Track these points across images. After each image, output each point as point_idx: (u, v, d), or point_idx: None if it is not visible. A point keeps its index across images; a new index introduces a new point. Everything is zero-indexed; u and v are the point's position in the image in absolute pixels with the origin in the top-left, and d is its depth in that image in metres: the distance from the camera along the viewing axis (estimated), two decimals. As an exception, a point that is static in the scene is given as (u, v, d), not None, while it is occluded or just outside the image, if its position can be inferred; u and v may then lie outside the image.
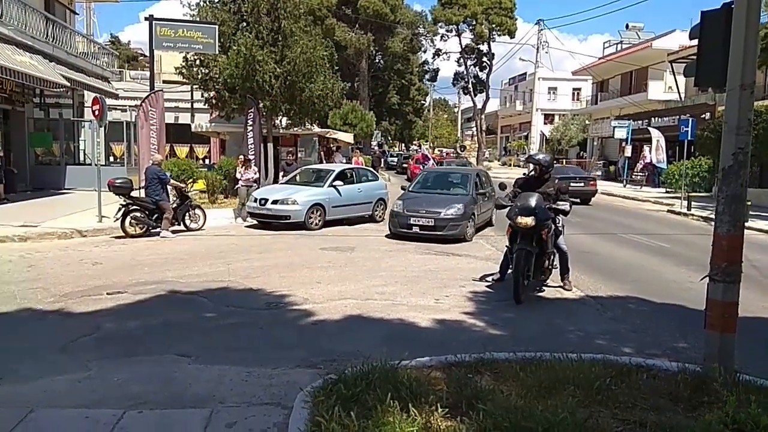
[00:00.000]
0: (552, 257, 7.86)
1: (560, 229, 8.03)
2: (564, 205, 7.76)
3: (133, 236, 11.73)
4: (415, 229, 11.90)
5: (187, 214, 12.75)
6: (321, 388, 3.82)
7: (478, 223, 13.04)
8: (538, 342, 5.62)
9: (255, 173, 15.51)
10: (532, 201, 7.32)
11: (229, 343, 5.64)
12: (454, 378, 3.99)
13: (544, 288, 8.10)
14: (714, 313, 4.17)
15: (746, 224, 15.26)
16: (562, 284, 8.11)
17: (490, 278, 8.48)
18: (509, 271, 7.81)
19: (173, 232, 12.14)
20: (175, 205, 12.46)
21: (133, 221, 11.90)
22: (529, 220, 7.20)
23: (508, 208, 7.74)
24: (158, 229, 11.98)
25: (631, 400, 3.81)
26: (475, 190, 13.01)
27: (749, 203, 11.25)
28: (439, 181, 14.12)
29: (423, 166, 26.37)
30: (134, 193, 12.46)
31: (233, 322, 6.34)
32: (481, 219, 13.42)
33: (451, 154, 48.05)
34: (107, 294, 7.33)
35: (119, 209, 11.84)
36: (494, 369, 4.32)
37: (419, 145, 57.96)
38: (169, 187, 12.47)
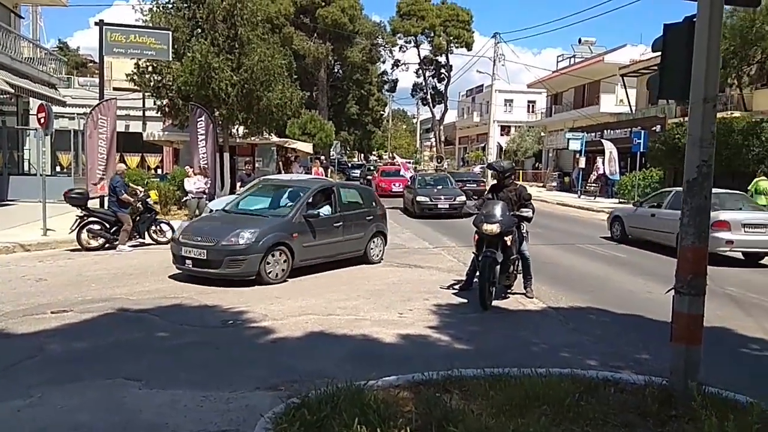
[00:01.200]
0: (516, 263, 8.07)
1: (524, 234, 8.20)
2: (527, 212, 7.93)
3: (89, 249, 11.22)
4: (188, 264, 8.66)
5: (152, 226, 12.19)
6: (283, 414, 3.60)
7: (320, 257, 9.65)
8: (504, 356, 5.55)
9: (206, 184, 15.00)
10: (497, 209, 7.59)
11: (183, 365, 5.34)
12: (422, 398, 3.84)
13: (508, 295, 8.18)
14: (680, 326, 4.16)
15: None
16: (524, 292, 8.22)
17: (457, 286, 8.66)
18: (476, 278, 7.95)
19: (132, 246, 11.64)
20: (137, 218, 11.92)
21: (89, 234, 11.37)
22: (494, 227, 7.45)
23: (475, 215, 7.95)
24: (117, 242, 11.49)
25: (601, 416, 3.75)
26: (306, 210, 9.41)
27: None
28: (268, 196, 10.70)
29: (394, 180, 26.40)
30: (95, 204, 11.94)
31: (187, 342, 6.03)
32: (330, 252, 9.83)
33: (403, 164, 47.57)
34: (51, 313, 6.91)
35: (75, 221, 11.33)
36: (463, 387, 4.20)
37: (379, 156, 57.99)
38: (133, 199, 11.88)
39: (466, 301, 7.98)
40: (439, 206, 19.00)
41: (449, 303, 7.83)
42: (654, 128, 25.57)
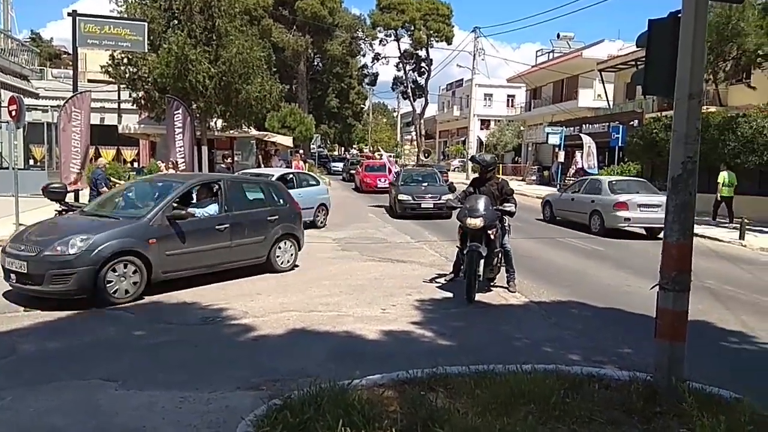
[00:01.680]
0: (500, 256, 8.19)
1: (506, 228, 8.30)
2: (510, 207, 8.02)
3: None
4: (12, 280, 7.02)
5: None
6: (265, 416, 3.51)
7: (196, 268, 7.98)
8: (487, 351, 5.53)
9: None
10: (480, 203, 7.68)
11: (161, 365, 5.21)
12: (407, 397, 3.79)
13: (492, 288, 8.28)
14: (664, 322, 4.16)
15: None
16: (507, 286, 8.31)
17: (442, 279, 8.73)
18: (461, 271, 8.03)
19: None
20: None
21: None
22: (477, 222, 7.52)
23: (458, 209, 8.03)
24: None
25: (587, 414, 3.73)
26: (171, 210, 7.65)
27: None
28: (136, 194, 8.98)
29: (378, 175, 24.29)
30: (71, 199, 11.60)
31: (165, 340, 5.90)
32: (212, 260, 8.15)
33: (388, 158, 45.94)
34: (24, 311, 6.72)
35: (54, 216, 11.01)
36: (448, 385, 4.15)
37: (360, 149, 57.55)
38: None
39: (449, 295, 7.95)
40: (422, 205, 17.21)
41: (432, 298, 7.79)
42: (632, 123, 25.84)
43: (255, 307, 7.10)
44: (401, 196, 17.45)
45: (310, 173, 18.54)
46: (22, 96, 14.32)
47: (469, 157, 25.48)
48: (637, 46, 4.78)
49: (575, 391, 4.08)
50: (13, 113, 12.08)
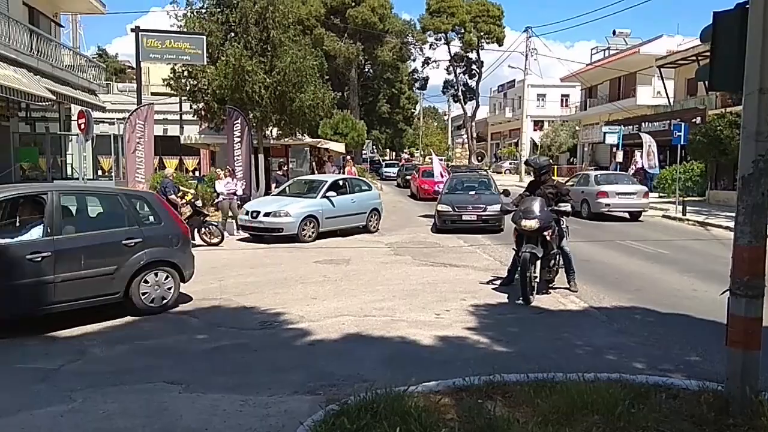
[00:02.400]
0: (558, 257, 8.14)
1: (564, 230, 8.27)
2: (565, 207, 8.01)
3: None
4: None
5: (201, 229, 12.30)
6: (323, 422, 3.54)
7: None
8: (547, 358, 5.39)
9: (236, 185, 15.04)
10: (535, 205, 7.67)
11: (222, 368, 5.35)
12: (465, 405, 3.73)
13: (550, 290, 8.19)
14: (736, 329, 3.94)
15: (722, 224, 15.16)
16: (568, 286, 8.25)
17: (498, 282, 8.70)
18: (517, 275, 7.95)
19: None
20: (186, 220, 12.06)
21: None
22: (532, 223, 7.51)
23: (513, 212, 8.01)
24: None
25: (654, 425, 3.58)
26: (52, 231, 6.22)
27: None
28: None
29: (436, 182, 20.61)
30: None
31: (226, 344, 6.05)
32: (22, 302, 6.16)
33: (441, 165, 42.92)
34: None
35: None
36: (506, 393, 4.07)
37: (411, 154, 57.41)
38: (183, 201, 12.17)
39: (504, 300, 7.82)
40: (463, 218, 14.67)
41: (487, 303, 7.68)
42: (694, 120, 24.74)
43: (311, 311, 7.19)
44: (440, 206, 15.18)
45: (363, 179, 18.66)
46: (90, 110, 15.08)
47: (523, 161, 24.32)
48: (702, 41, 4.57)
49: (641, 401, 3.91)
50: (82, 126, 12.74)
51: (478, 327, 6.58)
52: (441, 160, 27.64)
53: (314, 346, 5.95)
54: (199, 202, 12.62)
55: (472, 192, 15.97)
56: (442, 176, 20.72)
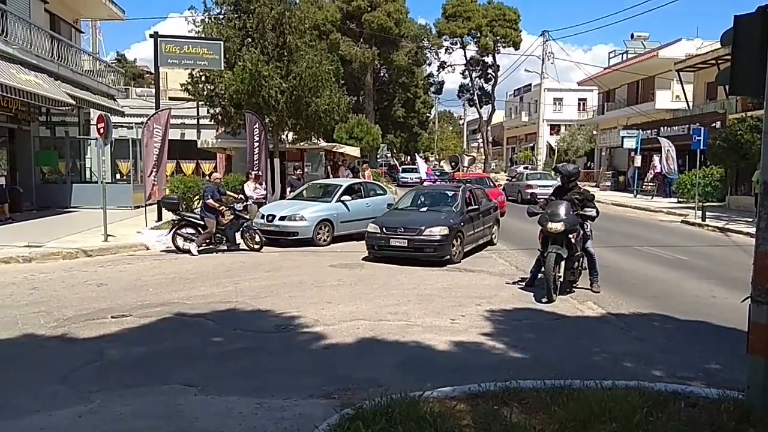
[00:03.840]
0: (581, 259, 8.50)
1: (588, 233, 8.57)
2: (591, 211, 8.38)
3: (184, 252, 11.78)
4: None
5: (241, 232, 12.35)
6: (338, 426, 3.54)
7: None
8: (563, 365, 5.34)
9: (263, 189, 15.24)
10: (561, 208, 8.03)
11: (238, 371, 5.37)
12: (480, 412, 3.71)
13: (573, 289, 8.54)
14: (757, 337, 3.88)
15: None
16: (591, 287, 8.52)
17: (521, 283, 9.03)
18: (540, 275, 8.28)
19: (200, 251, 11.84)
20: (224, 224, 12.14)
21: (181, 238, 11.94)
22: (558, 226, 7.88)
23: (539, 215, 8.31)
24: (223, 246, 12.08)
25: (673, 434, 3.52)
26: None
27: None
28: None
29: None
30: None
31: (241, 347, 6.08)
32: None
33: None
34: (112, 317, 7.10)
35: (172, 225, 12.19)
36: (522, 399, 4.04)
37: (426, 158, 57.07)
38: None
39: (520, 306, 7.77)
40: (391, 242, 10.89)
41: (502, 308, 7.63)
42: (714, 124, 24.40)
43: (326, 315, 7.20)
44: (370, 227, 11.42)
45: (377, 183, 18.68)
46: (109, 114, 15.29)
47: (552, 167, 25.07)
48: (722, 45, 4.51)
49: (659, 409, 3.86)
50: (101, 130, 12.90)
51: (494, 333, 6.54)
52: (429, 161, 29.95)
53: (329, 350, 5.95)
54: (239, 206, 12.52)
55: (424, 209, 12.31)
56: (423, 182, 23.89)
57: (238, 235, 12.39)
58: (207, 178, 17.75)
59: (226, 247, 12.25)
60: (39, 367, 5.49)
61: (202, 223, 12.00)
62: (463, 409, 3.89)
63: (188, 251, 11.73)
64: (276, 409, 4.37)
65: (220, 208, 12.14)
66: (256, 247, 12.29)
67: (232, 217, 12.25)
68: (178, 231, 11.97)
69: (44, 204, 18.68)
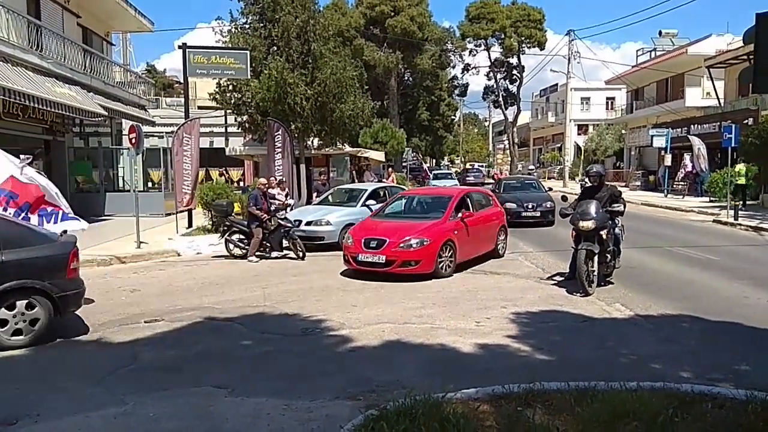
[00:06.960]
0: (615, 254, 8.95)
1: (619, 229, 9.08)
2: (618, 207, 8.82)
3: (235, 257, 12.05)
4: None
5: (286, 240, 12.19)
6: (362, 426, 3.62)
7: None
8: (590, 368, 5.34)
9: (286, 196, 15.31)
10: (591, 207, 8.50)
11: (266, 373, 5.51)
12: (504, 413, 3.74)
13: (608, 283, 8.94)
14: (786, 338, 3.82)
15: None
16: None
17: (559, 277, 9.49)
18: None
19: (258, 257, 11.94)
20: (268, 231, 12.04)
21: (230, 244, 12.20)
22: (589, 224, 8.38)
23: (571, 215, 8.82)
24: (273, 252, 12.13)
25: (698, 435, 3.50)
26: None
27: None
28: None
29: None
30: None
31: (270, 350, 6.22)
32: None
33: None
34: (145, 322, 7.31)
35: (224, 231, 12.39)
36: (546, 401, 4.05)
37: (451, 161, 56.92)
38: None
39: (546, 308, 7.74)
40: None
41: (528, 311, 7.61)
42: (746, 121, 23.83)
43: (351, 318, 7.29)
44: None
45: (402, 187, 18.77)
46: (140, 124, 15.71)
47: (584, 170, 24.66)
48: (744, 43, 4.47)
49: (685, 410, 3.84)
50: (133, 140, 13.26)
51: (519, 335, 6.54)
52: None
53: (355, 353, 6.04)
54: (281, 214, 12.40)
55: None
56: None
57: (285, 242, 12.22)
58: (235, 184, 18.03)
59: (276, 255, 12.12)
60: (76, 371, 5.70)
61: (247, 230, 12.02)
62: (487, 411, 3.93)
63: (241, 257, 11.90)
64: (303, 411, 4.47)
65: (263, 216, 11.92)
66: (300, 254, 12.04)
67: (275, 225, 12.06)
68: (229, 237, 12.18)
69: (79, 212, 18.80)
